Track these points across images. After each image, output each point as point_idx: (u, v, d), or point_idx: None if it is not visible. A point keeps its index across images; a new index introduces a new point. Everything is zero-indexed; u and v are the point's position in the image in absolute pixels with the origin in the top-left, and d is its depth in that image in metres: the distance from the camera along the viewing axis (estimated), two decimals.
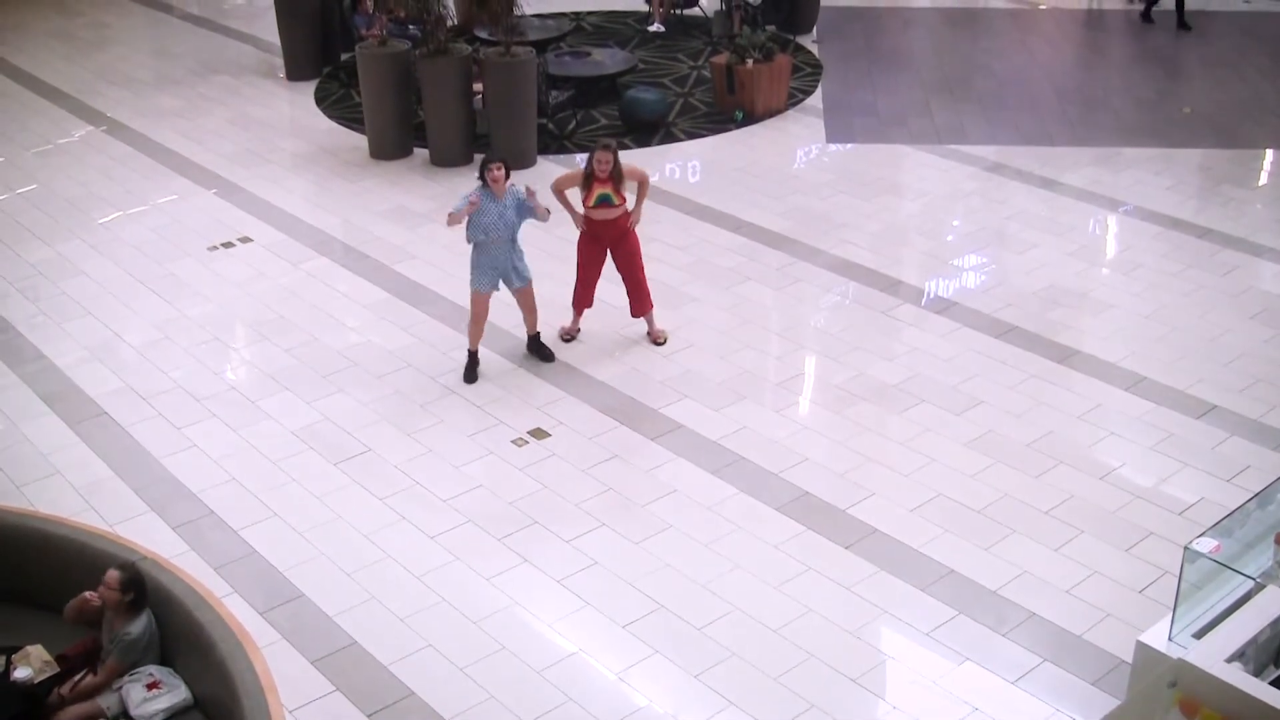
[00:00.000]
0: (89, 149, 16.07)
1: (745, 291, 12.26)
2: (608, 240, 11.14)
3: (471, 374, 10.95)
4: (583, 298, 11.42)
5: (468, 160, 15.32)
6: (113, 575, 7.19)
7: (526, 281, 10.90)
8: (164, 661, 7.33)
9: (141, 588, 7.25)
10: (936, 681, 7.84)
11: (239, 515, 9.35)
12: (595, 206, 10.95)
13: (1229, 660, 6.75)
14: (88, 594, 7.33)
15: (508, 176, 10.59)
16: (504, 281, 10.84)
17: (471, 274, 10.77)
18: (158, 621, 7.33)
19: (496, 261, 10.69)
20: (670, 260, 12.79)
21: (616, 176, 10.87)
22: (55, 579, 7.69)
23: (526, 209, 10.65)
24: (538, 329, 11.24)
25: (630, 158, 15.27)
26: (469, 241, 10.68)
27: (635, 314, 11.41)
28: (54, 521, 8.15)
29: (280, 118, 17.18)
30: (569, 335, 11.51)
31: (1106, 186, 14.53)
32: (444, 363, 11.16)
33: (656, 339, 11.42)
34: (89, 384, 10.99)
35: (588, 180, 10.91)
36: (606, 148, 10.83)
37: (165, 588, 7.36)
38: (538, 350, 11.23)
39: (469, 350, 10.98)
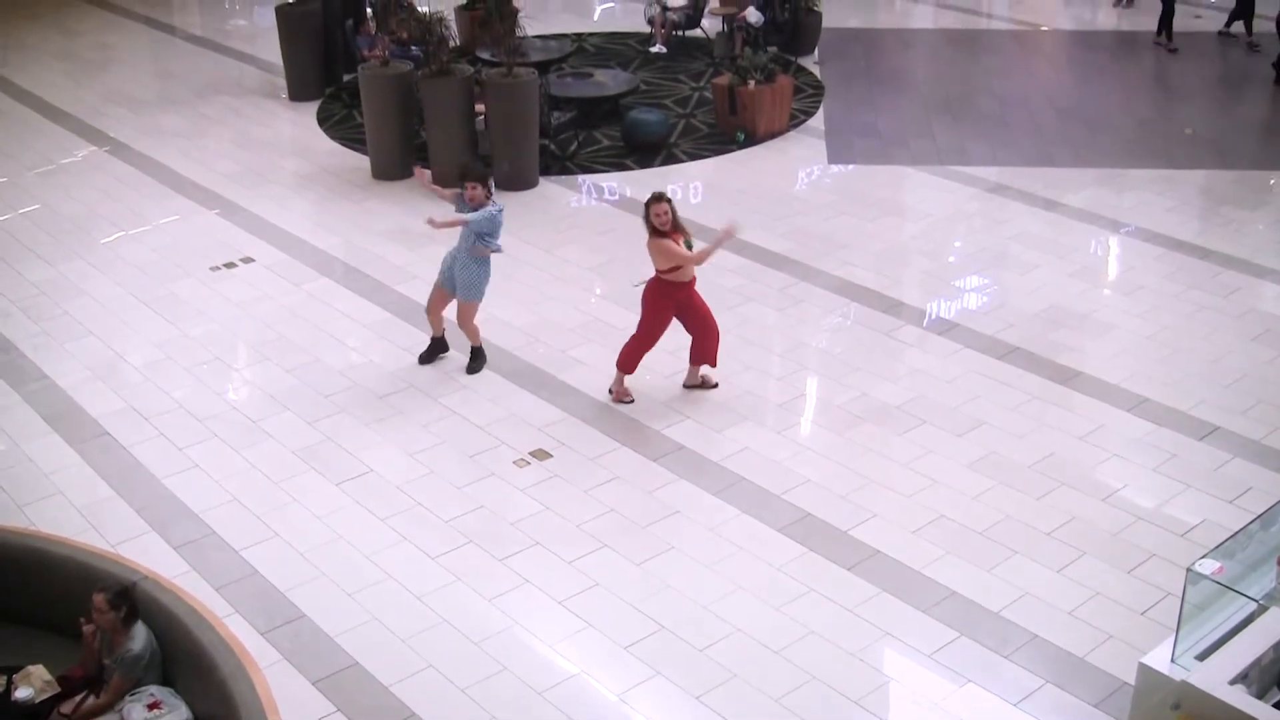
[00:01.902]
0: (91, 169, 16.11)
1: (747, 312, 12.26)
2: (680, 301, 10.65)
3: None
4: (639, 357, 10.87)
5: None
6: (99, 599, 7.14)
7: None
8: (165, 682, 7.32)
9: (131, 598, 7.22)
10: (938, 703, 7.82)
11: (240, 535, 9.34)
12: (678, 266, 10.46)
13: (1232, 682, 6.74)
14: (85, 631, 7.31)
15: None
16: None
17: (483, 288, 11.15)
18: (159, 641, 7.32)
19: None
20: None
21: (680, 227, 10.35)
22: (56, 599, 7.68)
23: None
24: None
25: (632, 178, 15.35)
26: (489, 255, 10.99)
27: (698, 363, 11.00)
28: (55, 541, 8.15)
29: (282, 138, 17.22)
30: (627, 398, 10.92)
31: (1108, 207, 14.55)
32: (446, 383, 11.16)
33: (707, 382, 11.12)
34: (91, 404, 10.99)
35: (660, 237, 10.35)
36: (660, 198, 10.23)
37: (166, 608, 7.36)
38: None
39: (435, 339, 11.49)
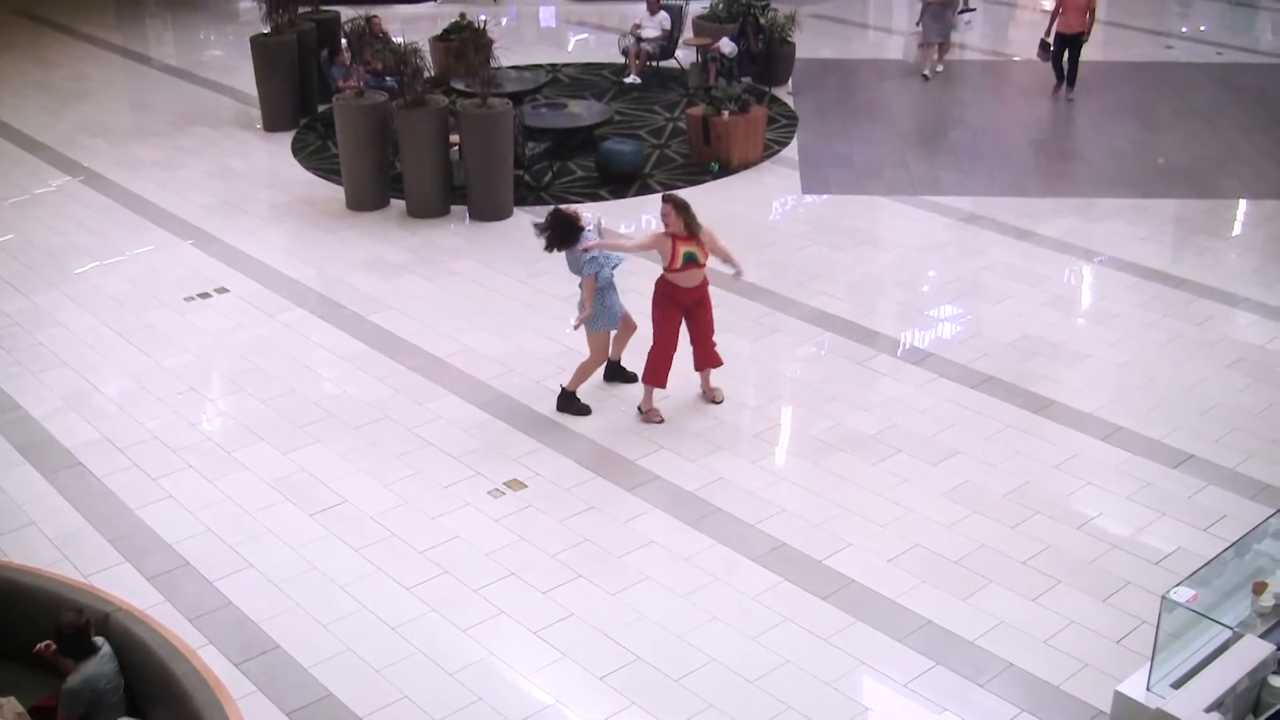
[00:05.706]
0: (67, 200, 16.06)
1: (722, 342, 12.21)
2: (687, 304, 10.96)
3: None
4: (664, 368, 11.00)
5: (444, 211, 15.36)
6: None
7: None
8: (138, 714, 7.27)
9: (64, 638, 7.15)
10: None
11: (214, 566, 9.30)
12: (682, 268, 10.72)
13: (1208, 710, 6.75)
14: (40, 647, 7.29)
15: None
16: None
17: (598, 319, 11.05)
18: (133, 673, 7.27)
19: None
20: (648, 312, 12.80)
21: (694, 232, 10.67)
22: (29, 630, 7.61)
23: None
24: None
25: (607, 209, 15.37)
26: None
27: (701, 368, 11.27)
28: (28, 572, 8.10)
29: (257, 169, 17.21)
30: (657, 418, 11.05)
31: (1082, 237, 14.63)
32: (420, 414, 11.14)
33: (714, 397, 11.31)
34: (64, 434, 10.94)
35: (672, 240, 10.67)
36: (667, 199, 10.77)
37: (140, 639, 7.32)
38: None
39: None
